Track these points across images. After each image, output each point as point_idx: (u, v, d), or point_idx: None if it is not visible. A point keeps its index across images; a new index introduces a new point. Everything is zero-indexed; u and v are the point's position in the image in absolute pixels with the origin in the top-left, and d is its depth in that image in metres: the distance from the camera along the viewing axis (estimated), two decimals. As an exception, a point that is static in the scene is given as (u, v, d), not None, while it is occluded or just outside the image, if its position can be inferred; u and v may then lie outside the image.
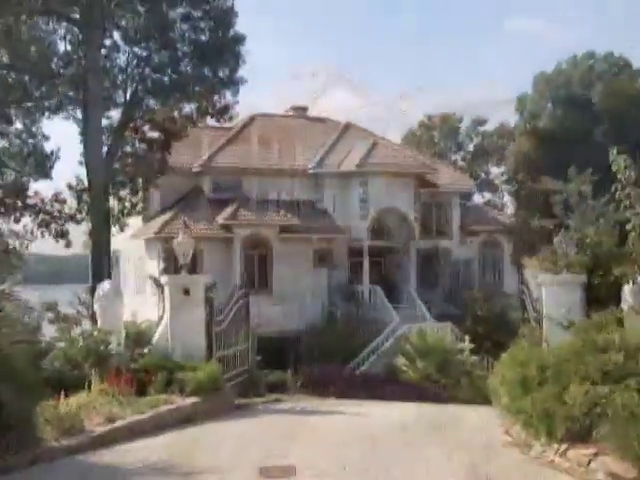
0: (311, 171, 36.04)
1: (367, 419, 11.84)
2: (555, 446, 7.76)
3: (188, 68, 28.16)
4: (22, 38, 24.59)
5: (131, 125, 28.69)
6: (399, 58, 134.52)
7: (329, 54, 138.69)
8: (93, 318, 14.15)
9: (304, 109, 42.60)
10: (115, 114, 28.33)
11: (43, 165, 27.76)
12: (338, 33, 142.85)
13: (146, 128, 29.48)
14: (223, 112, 29.16)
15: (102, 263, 26.19)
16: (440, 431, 10.38)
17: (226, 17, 27.90)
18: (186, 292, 13.17)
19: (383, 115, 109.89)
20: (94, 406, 9.97)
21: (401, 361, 24.57)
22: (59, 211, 28.93)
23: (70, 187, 29.07)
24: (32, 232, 28.57)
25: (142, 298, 15.84)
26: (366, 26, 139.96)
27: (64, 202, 28.98)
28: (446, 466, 8.13)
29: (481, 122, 62.10)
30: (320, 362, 22.02)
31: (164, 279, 13.78)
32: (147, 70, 28.14)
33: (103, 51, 27.23)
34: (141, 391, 11.16)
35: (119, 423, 9.56)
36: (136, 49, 28.16)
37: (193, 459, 8.32)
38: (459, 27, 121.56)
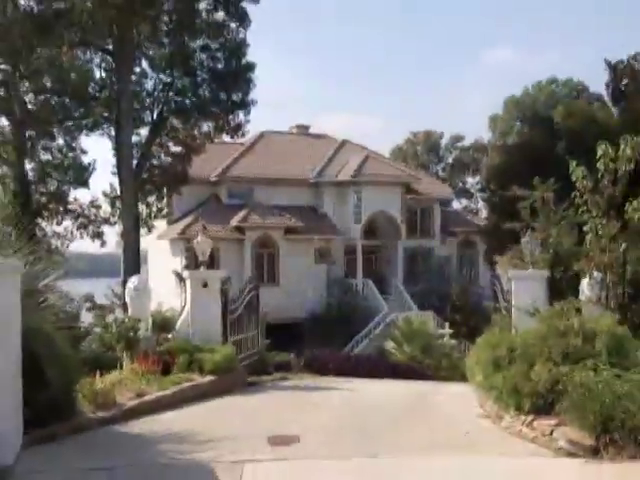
0: (312, 180, 36.09)
1: (361, 394, 11.84)
2: (522, 418, 7.76)
3: (206, 92, 28.24)
4: (63, 66, 24.65)
5: (157, 141, 28.79)
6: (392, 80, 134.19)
7: (326, 77, 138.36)
8: (124, 307, 14.16)
9: (306, 127, 42.64)
10: (143, 132, 28.48)
11: (81, 175, 27.83)
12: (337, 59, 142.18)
13: (170, 144, 29.60)
14: (236, 130, 29.24)
15: (132, 260, 26.26)
16: (423, 404, 10.38)
17: (239, 48, 27.99)
18: (205, 285, 13.15)
19: (373, 131, 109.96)
20: (125, 383, 9.96)
21: (390, 344, 24.53)
22: (95, 215, 29.06)
23: (105, 194, 29.19)
24: (72, 233, 28.73)
25: (166, 290, 15.86)
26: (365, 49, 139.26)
27: (99, 207, 29.12)
28: (427, 432, 8.14)
29: (459, 138, 62.20)
30: (320, 345, 21.95)
31: (186, 274, 13.76)
32: (171, 94, 28.23)
33: (133, 77, 27.30)
34: (166, 370, 11.14)
35: (147, 398, 9.55)
36: (162, 75, 28.27)
37: (211, 429, 8.32)
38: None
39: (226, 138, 31.59)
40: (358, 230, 35.61)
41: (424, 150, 62.15)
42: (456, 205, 52.03)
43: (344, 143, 40.07)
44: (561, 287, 13.00)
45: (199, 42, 27.82)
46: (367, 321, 31.25)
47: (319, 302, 33.30)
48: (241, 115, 28.69)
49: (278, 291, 31.73)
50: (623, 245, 11.60)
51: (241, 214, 33.28)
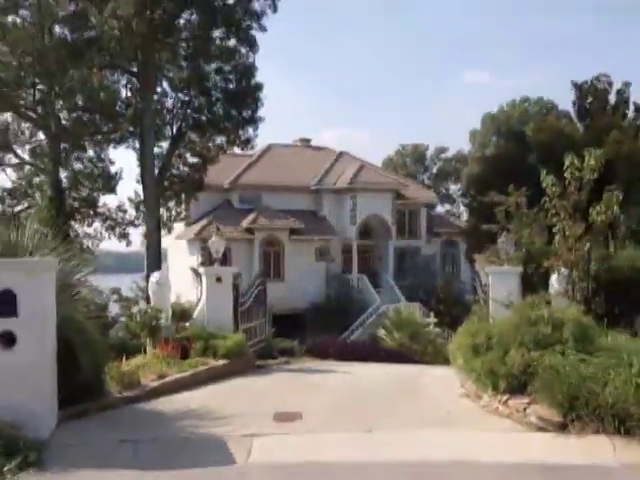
0: (313, 188, 36.08)
1: (356, 376, 11.80)
2: (499, 397, 7.77)
3: (220, 110, 28.24)
4: (94, 87, 24.67)
5: (176, 153, 28.81)
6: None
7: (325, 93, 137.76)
8: (147, 299, 14.15)
9: (308, 140, 42.61)
10: (164, 144, 28.50)
11: (109, 183, 27.88)
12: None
13: (188, 155, 29.63)
14: (246, 143, 29.27)
15: (154, 258, 26.29)
16: (411, 385, 10.36)
17: (249, 70, 27.99)
18: (218, 280, 13.13)
19: (368, 143, 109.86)
20: (148, 366, 9.96)
21: (382, 332, 24.50)
22: (122, 218, 29.14)
23: (130, 200, 29.25)
24: (101, 234, 28.85)
25: (184, 284, 15.85)
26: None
27: (125, 211, 29.21)
28: (415, 410, 8.15)
29: (443, 150, 62.23)
30: (320, 333, 21.93)
31: (201, 270, 13.75)
32: (189, 111, 28.25)
33: (155, 96, 27.34)
34: (184, 355, 11.14)
35: (167, 379, 9.55)
36: (180, 95, 28.30)
37: (223, 407, 8.32)
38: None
39: (237, 150, 31.60)
40: (354, 231, 35.62)
41: (412, 161, 62.19)
42: (440, 209, 52.08)
43: (341, 154, 40.05)
44: (533, 282, 12.94)
45: (213, 65, 27.84)
46: (362, 312, 31.24)
47: (319, 295, 33.30)
48: (250, 130, 28.74)
49: (283, 285, 31.71)
50: (587, 245, 11.62)
51: (250, 217, 33.28)
